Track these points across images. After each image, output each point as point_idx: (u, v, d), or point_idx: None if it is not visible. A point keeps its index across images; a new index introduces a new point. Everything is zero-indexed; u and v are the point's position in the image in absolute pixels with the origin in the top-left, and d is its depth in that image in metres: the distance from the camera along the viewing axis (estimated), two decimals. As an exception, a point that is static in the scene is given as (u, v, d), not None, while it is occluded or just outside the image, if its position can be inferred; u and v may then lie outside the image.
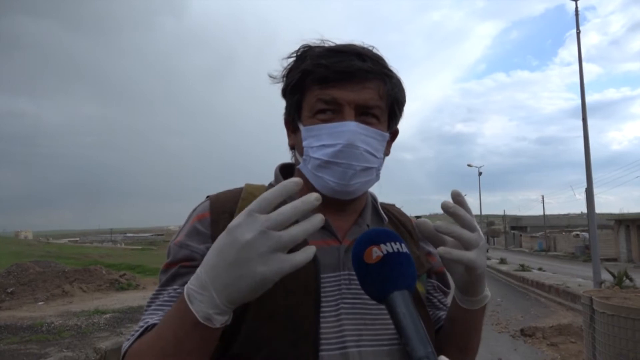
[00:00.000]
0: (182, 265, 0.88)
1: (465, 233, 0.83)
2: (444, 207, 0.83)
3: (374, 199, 1.07)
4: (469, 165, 42.99)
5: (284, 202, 0.68)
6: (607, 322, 4.45)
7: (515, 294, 15.84)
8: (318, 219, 0.68)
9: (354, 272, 0.88)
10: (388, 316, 0.88)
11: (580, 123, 13.07)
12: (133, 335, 0.83)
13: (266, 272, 0.65)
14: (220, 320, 0.68)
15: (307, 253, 0.67)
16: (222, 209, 0.93)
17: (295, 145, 1.00)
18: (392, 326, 0.87)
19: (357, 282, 0.87)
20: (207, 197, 0.98)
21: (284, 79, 0.99)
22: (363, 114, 0.92)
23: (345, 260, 0.91)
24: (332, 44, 0.96)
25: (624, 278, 10.25)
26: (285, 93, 0.99)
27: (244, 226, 0.66)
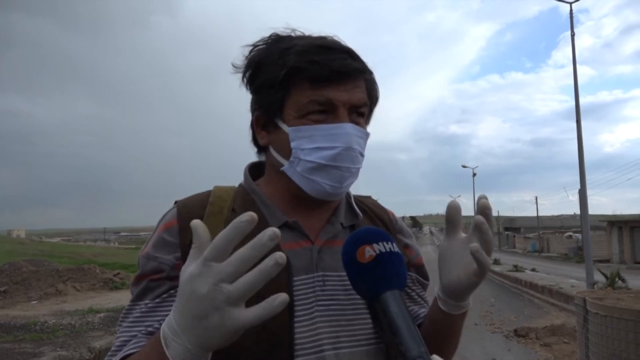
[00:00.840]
0: (151, 279, 0.85)
1: (492, 240, 0.81)
2: (479, 223, 0.78)
3: (348, 194, 1.04)
4: (464, 167, 43.13)
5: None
6: (600, 323, 4.48)
7: (508, 294, 15.89)
8: (271, 263, 0.58)
9: (328, 273, 0.89)
10: (365, 316, 0.88)
11: (574, 125, 13.13)
12: (110, 359, 0.80)
13: (227, 326, 0.60)
14: None
15: (264, 307, 0.59)
16: (189, 215, 0.87)
17: (271, 145, 0.94)
18: (370, 326, 0.88)
19: (332, 283, 0.88)
20: (175, 202, 0.94)
21: (253, 70, 0.93)
22: (353, 113, 0.91)
23: (318, 261, 0.89)
24: (301, 34, 0.93)
25: (617, 279, 10.31)
26: (259, 87, 0.92)
27: (200, 277, 0.59)
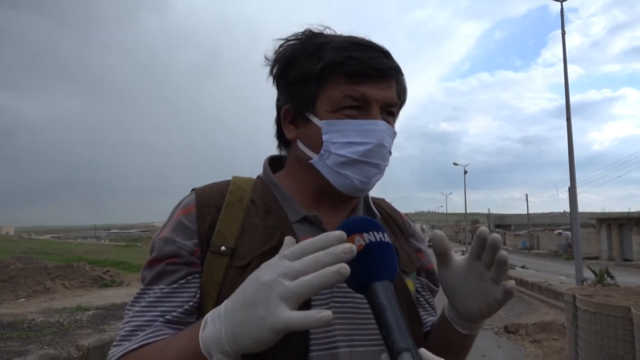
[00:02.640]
0: (168, 263, 0.84)
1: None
2: (502, 259, 0.80)
3: (366, 194, 1.04)
4: (455, 164, 43.27)
5: None
6: (590, 320, 4.51)
7: (499, 291, 15.95)
8: (333, 270, 0.60)
9: None
10: None
11: (562, 123, 13.26)
12: (121, 343, 0.78)
13: (265, 322, 0.60)
14: (219, 358, 0.64)
15: (308, 315, 0.59)
16: (208, 202, 0.90)
17: (299, 138, 0.94)
18: None
19: None
20: (193, 189, 0.94)
21: (285, 63, 0.93)
22: (384, 112, 0.91)
23: None
24: (333, 32, 0.94)
25: (606, 276, 10.39)
26: (292, 80, 0.92)
27: (269, 267, 0.63)
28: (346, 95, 0.87)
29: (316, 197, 0.95)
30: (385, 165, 0.92)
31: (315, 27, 0.94)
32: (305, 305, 0.82)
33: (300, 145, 0.94)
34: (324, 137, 0.89)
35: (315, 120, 0.90)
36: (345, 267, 0.60)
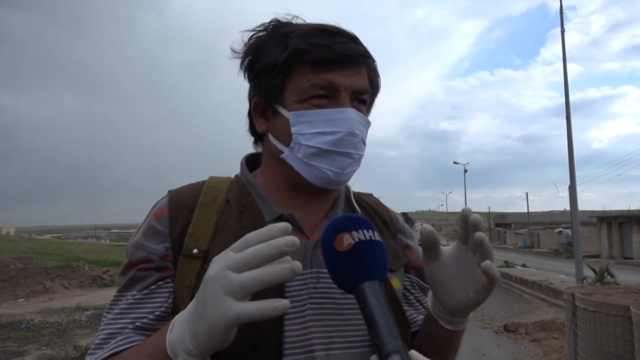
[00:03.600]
0: (139, 269, 0.83)
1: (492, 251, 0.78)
2: (480, 239, 0.75)
3: (347, 189, 1.01)
4: (455, 163, 43.23)
5: None
6: (589, 318, 4.49)
7: (498, 290, 15.94)
8: (286, 266, 0.58)
9: (323, 270, 0.83)
10: (360, 316, 0.83)
11: (562, 121, 13.21)
12: (95, 352, 0.77)
13: (213, 317, 0.59)
14: (185, 359, 0.63)
15: (261, 305, 0.57)
16: (182, 204, 0.87)
17: (270, 132, 0.91)
18: (364, 327, 0.83)
19: (327, 280, 0.82)
20: (168, 192, 0.92)
21: (253, 55, 0.91)
22: (355, 100, 0.88)
23: (313, 257, 0.85)
24: (303, 21, 0.91)
25: (606, 274, 10.39)
26: (259, 72, 0.89)
27: (215, 261, 0.61)
28: (313, 84, 0.85)
29: (292, 194, 0.92)
30: (359, 155, 0.89)
31: (283, 16, 0.91)
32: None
33: (271, 139, 0.91)
34: (293, 129, 0.86)
35: (284, 112, 0.87)
36: (299, 265, 0.58)
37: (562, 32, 13.69)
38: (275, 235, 0.59)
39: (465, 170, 40.52)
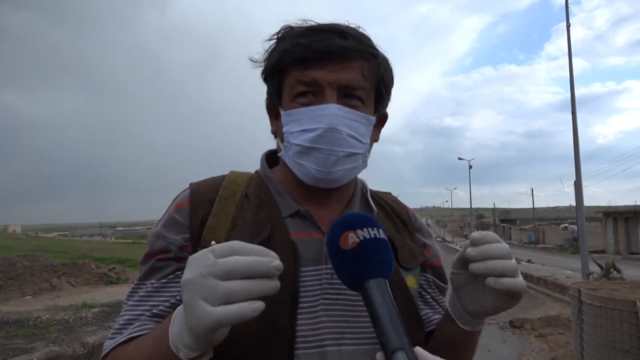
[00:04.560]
0: (158, 259, 0.86)
1: (506, 262, 0.77)
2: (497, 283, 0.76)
3: (364, 187, 1.02)
4: (460, 159, 43.11)
5: None
6: (595, 314, 4.47)
7: (504, 286, 15.91)
8: (271, 286, 0.60)
9: None
10: None
11: (567, 117, 13.18)
12: (114, 337, 0.81)
13: (192, 322, 0.59)
14: (186, 354, 0.64)
15: (243, 307, 0.57)
16: (202, 197, 0.89)
17: (277, 132, 0.95)
18: None
19: None
20: (190, 184, 0.95)
21: (265, 61, 0.94)
22: (346, 96, 0.87)
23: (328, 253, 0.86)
24: (314, 24, 0.91)
25: (612, 270, 10.34)
26: (266, 76, 0.94)
27: (193, 262, 0.60)
28: (298, 82, 0.86)
29: (306, 192, 0.93)
30: (347, 152, 0.86)
31: (295, 22, 0.92)
32: (294, 300, 0.81)
33: (277, 138, 0.95)
34: (284, 128, 0.89)
35: (282, 112, 0.90)
36: (276, 286, 0.60)
37: (568, 26, 13.59)
38: (262, 254, 0.60)
39: (470, 167, 40.40)
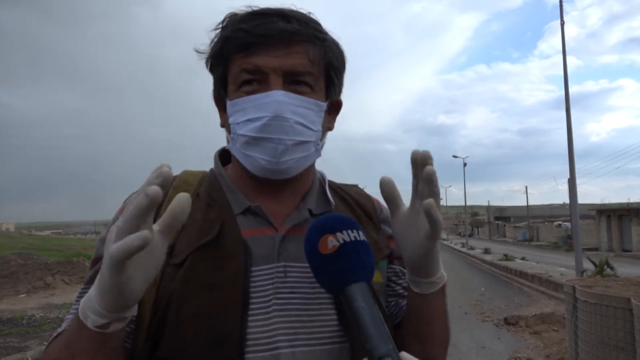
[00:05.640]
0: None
1: (439, 194, 0.74)
2: (429, 174, 0.71)
3: (322, 180, 0.97)
4: (455, 157, 43.18)
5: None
6: (589, 311, 4.50)
7: (499, 283, 16.01)
8: (142, 235, 0.58)
9: (291, 264, 0.82)
10: (330, 312, 0.80)
11: (560, 115, 13.21)
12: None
13: (100, 273, 0.61)
14: (93, 321, 0.62)
15: (126, 240, 0.58)
16: None
17: (225, 124, 0.90)
18: (334, 323, 0.80)
19: (295, 274, 0.82)
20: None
21: (209, 51, 0.90)
22: (293, 82, 0.83)
23: (281, 250, 0.83)
24: (257, 8, 0.87)
25: (605, 267, 10.40)
26: (210, 68, 0.89)
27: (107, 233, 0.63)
28: (241, 70, 0.82)
29: (258, 186, 0.89)
30: (295, 140, 0.83)
31: (239, 8, 0.87)
32: (245, 302, 0.77)
33: (226, 132, 0.91)
34: (230, 119, 0.85)
35: (227, 102, 0.86)
36: (151, 188, 0.57)
37: (562, 24, 13.62)
38: (143, 202, 0.59)
39: (465, 164, 40.49)
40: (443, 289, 0.83)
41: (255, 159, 0.83)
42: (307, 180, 0.93)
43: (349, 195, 0.99)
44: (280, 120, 0.81)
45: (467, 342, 7.65)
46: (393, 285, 0.96)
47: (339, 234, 0.68)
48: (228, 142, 0.91)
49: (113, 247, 0.58)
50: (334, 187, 0.99)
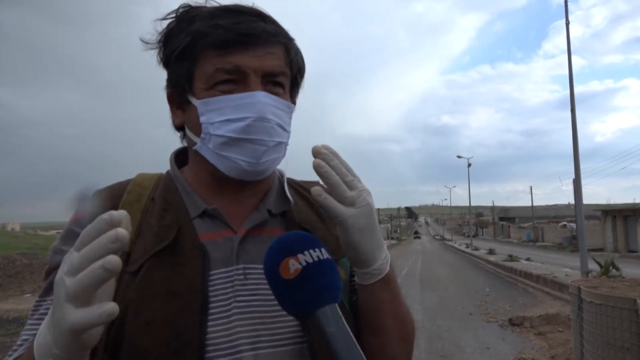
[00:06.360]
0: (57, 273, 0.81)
1: (339, 185, 0.73)
2: (314, 167, 0.73)
3: (281, 178, 0.95)
4: (459, 157, 43.07)
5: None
6: (595, 311, 4.48)
7: (503, 284, 15.96)
8: (97, 265, 0.55)
9: (251, 265, 0.81)
10: None
11: (564, 115, 13.21)
12: (8, 356, 0.75)
13: (62, 323, 0.56)
14: None
15: (90, 311, 0.55)
16: (103, 205, 0.80)
17: (186, 123, 0.87)
18: (295, 323, 0.79)
19: (255, 276, 0.80)
20: (94, 192, 0.87)
21: (163, 44, 0.86)
22: (269, 83, 0.82)
23: (240, 252, 0.82)
24: (217, 4, 0.85)
25: (611, 268, 10.34)
26: (168, 61, 0.85)
27: (64, 260, 0.58)
28: (218, 69, 0.79)
29: (217, 187, 0.87)
30: (275, 142, 0.82)
31: (195, 1, 0.86)
32: (204, 307, 0.76)
33: (187, 131, 0.87)
34: (202, 119, 0.81)
35: (194, 101, 0.82)
36: (111, 261, 0.54)
37: (567, 24, 13.55)
38: (103, 230, 0.56)
39: (469, 165, 40.39)
40: (386, 280, 0.81)
41: (234, 160, 0.81)
42: (268, 180, 0.91)
43: (308, 193, 0.94)
44: (263, 122, 0.80)
45: (471, 343, 7.64)
46: (353, 283, 0.94)
47: (300, 256, 0.65)
48: (189, 141, 0.89)
49: (74, 318, 0.55)
50: (294, 185, 0.98)
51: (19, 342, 0.76)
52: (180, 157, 0.94)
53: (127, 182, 0.88)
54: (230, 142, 0.80)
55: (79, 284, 0.55)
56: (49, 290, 0.79)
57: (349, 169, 0.76)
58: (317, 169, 0.73)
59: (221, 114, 0.80)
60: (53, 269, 0.79)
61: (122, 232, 0.56)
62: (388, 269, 0.81)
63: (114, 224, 0.56)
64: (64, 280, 0.56)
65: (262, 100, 0.80)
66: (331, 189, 0.74)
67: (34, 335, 0.72)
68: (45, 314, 0.74)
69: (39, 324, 0.74)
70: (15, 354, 0.74)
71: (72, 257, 0.56)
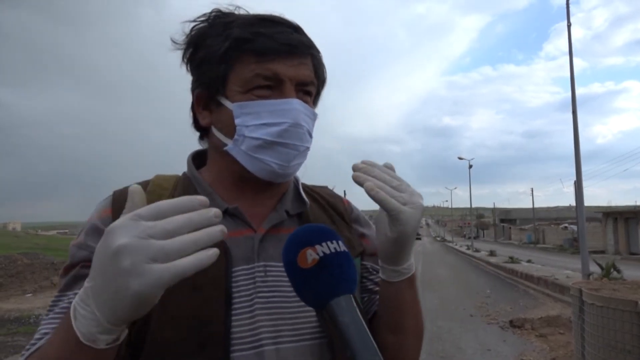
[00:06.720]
0: (82, 266, 0.79)
1: (393, 183, 0.78)
2: (355, 180, 0.77)
3: (296, 181, 0.99)
4: (460, 158, 43.06)
5: None
6: (596, 314, 4.47)
7: (504, 285, 15.95)
8: (217, 230, 0.57)
9: (271, 263, 0.84)
10: (310, 309, 0.78)
11: (565, 116, 13.21)
12: (27, 351, 0.73)
13: (140, 287, 0.53)
14: (105, 340, 0.58)
15: (199, 256, 0.55)
16: (125, 203, 0.85)
17: (213, 124, 0.89)
18: (315, 319, 0.82)
19: (275, 273, 0.83)
20: (113, 192, 0.90)
21: (194, 46, 0.88)
22: (300, 91, 0.87)
23: (260, 250, 0.85)
24: (245, 12, 0.89)
25: (612, 270, 10.33)
26: (200, 63, 0.88)
27: (122, 229, 0.55)
28: (257, 74, 0.83)
29: (238, 188, 0.90)
30: (305, 147, 0.88)
31: (225, 7, 0.89)
32: (227, 301, 0.78)
33: (215, 131, 0.89)
34: (237, 121, 0.84)
35: (227, 104, 0.85)
36: (223, 230, 0.57)
37: (569, 26, 13.53)
38: (194, 207, 0.58)
39: (470, 166, 40.37)
40: (412, 280, 0.86)
41: (266, 162, 0.85)
42: (286, 182, 0.95)
43: (320, 196, 1.02)
44: (297, 128, 0.84)
45: (472, 345, 7.63)
46: (365, 281, 0.99)
47: (318, 247, 0.66)
48: (213, 143, 0.91)
49: (178, 268, 0.54)
50: (306, 188, 1.01)
51: (37, 336, 0.75)
52: (197, 159, 0.97)
53: (147, 182, 0.90)
54: (265, 145, 0.84)
55: (188, 243, 0.55)
56: (71, 284, 0.80)
57: (393, 176, 0.80)
58: (355, 179, 0.77)
59: (257, 117, 0.83)
60: (75, 264, 0.81)
61: (219, 212, 0.58)
62: (414, 269, 0.87)
63: (204, 205, 0.58)
64: (151, 243, 0.54)
65: (296, 107, 0.84)
66: (378, 194, 0.76)
67: (54, 329, 0.72)
68: (66, 308, 0.74)
69: (59, 318, 0.74)
70: (39, 344, 0.73)
71: (152, 223, 0.55)
